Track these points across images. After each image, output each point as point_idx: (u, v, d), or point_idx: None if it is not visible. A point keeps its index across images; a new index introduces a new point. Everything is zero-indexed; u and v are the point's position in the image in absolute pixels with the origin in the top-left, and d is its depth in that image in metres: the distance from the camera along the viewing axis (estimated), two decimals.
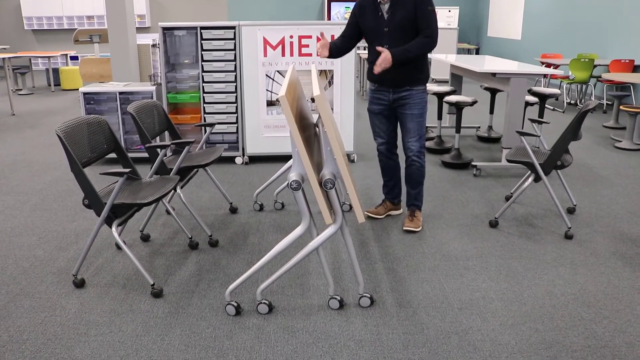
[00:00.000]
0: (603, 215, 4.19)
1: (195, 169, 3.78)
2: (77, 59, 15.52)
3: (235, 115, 5.44)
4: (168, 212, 4.17)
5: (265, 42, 5.19)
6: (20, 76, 11.62)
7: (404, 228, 3.88)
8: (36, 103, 9.99)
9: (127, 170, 2.85)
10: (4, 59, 9.14)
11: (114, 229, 2.99)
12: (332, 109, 5.40)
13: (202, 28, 5.21)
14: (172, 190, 3.38)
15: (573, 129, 3.69)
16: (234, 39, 5.23)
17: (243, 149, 5.55)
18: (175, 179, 3.34)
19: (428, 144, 6.16)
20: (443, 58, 6.64)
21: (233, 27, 5.21)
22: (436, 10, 3.56)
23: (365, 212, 4.13)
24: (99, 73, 8.64)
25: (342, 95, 5.36)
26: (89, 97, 5.47)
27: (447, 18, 13.16)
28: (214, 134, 5.51)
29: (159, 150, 3.59)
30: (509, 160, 3.91)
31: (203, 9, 16.27)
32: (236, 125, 5.48)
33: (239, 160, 5.59)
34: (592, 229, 3.92)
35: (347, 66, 5.29)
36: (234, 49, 5.26)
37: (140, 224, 3.99)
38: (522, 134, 3.85)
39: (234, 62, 5.30)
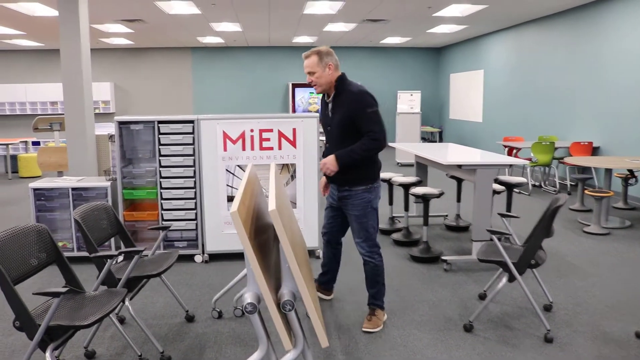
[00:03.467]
0: (581, 312, 3.99)
1: (146, 280, 3.48)
2: (39, 145, 15.21)
3: (195, 211, 5.20)
4: (120, 321, 3.81)
5: (225, 136, 5.04)
6: None
7: (362, 329, 3.71)
8: None
9: (63, 290, 2.55)
10: None
11: (48, 354, 2.65)
12: (295, 204, 5.20)
13: (160, 122, 5.05)
14: (120, 303, 3.08)
15: (545, 226, 3.55)
16: (193, 132, 5.07)
17: (203, 247, 5.26)
18: (122, 292, 3.04)
19: (395, 235, 5.98)
20: (407, 148, 6.60)
21: (192, 121, 5.05)
22: (377, 110, 3.57)
23: None
24: (57, 162, 8.36)
25: (305, 189, 5.19)
26: (40, 193, 5.17)
27: (409, 102, 13.39)
28: (172, 231, 5.23)
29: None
30: (480, 260, 3.73)
31: (169, 95, 16.30)
32: (195, 222, 5.22)
33: (198, 258, 5.29)
34: (572, 329, 3.71)
35: (310, 158, 5.15)
36: (193, 143, 5.09)
37: (85, 337, 3.62)
38: (493, 233, 3.69)
39: (193, 157, 5.11)
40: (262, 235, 2.82)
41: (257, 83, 16.49)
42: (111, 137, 5.93)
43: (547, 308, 4.07)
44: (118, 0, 9.00)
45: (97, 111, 15.60)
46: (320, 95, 3.79)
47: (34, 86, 15.83)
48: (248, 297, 2.27)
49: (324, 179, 3.80)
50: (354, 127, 3.49)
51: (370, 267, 3.73)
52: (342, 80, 3.58)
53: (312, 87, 3.61)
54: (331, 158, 3.48)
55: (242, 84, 16.51)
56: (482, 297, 4.30)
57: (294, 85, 16.19)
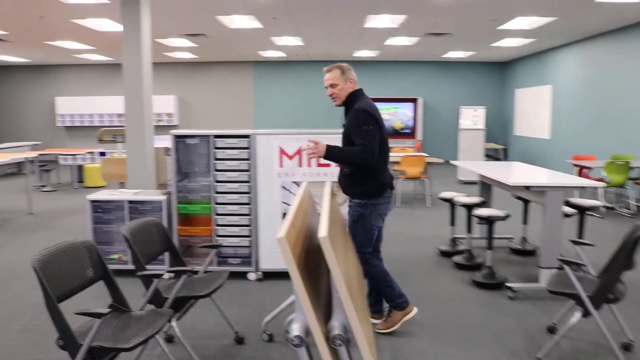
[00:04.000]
0: None
1: (193, 300, 3.37)
2: (106, 156, 15.67)
3: (249, 227, 5.09)
4: (168, 340, 3.72)
5: (282, 151, 4.92)
6: (45, 173, 11.62)
7: (376, 330, 3.93)
8: (56, 201, 9.87)
9: (105, 311, 2.46)
10: (26, 158, 9.10)
11: None
12: None
13: (216, 136, 4.98)
14: (167, 324, 2.97)
15: (626, 257, 3.22)
16: (249, 147, 4.98)
17: (256, 264, 5.15)
18: (168, 313, 2.93)
19: (457, 258, 5.69)
20: (470, 166, 6.30)
21: (248, 136, 4.97)
22: (372, 129, 3.61)
23: None
24: (119, 173, 8.49)
25: None
26: (97, 205, 5.20)
27: (472, 117, 13.00)
28: (226, 247, 5.14)
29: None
30: (551, 292, 3.43)
31: (231, 109, 16.49)
32: (249, 238, 5.11)
33: (251, 276, 5.17)
34: None
35: None
36: (249, 158, 4.99)
37: (131, 354, 3.54)
38: (566, 263, 3.39)
39: (248, 172, 5.01)
40: (314, 256, 2.66)
41: (318, 97, 16.44)
42: (167, 150, 5.93)
43: (627, 347, 3.70)
44: (181, 16, 9.12)
45: (160, 123, 15.94)
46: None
47: (102, 99, 16.37)
48: (295, 329, 2.10)
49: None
50: (352, 141, 3.64)
51: (366, 276, 3.90)
52: (354, 95, 3.78)
53: (332, 98, 3.80)
54: (323, 145, 3.58)
55: (303, 98, 16.51)
56: (552, 330, 3.96)
57: None
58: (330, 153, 3.59)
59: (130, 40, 6.41)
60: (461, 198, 5.73)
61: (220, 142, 4.99)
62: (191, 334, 3.90)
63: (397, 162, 9.52)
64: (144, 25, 6.45)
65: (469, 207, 5.61)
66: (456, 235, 6.37)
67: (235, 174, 5.01)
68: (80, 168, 12.10)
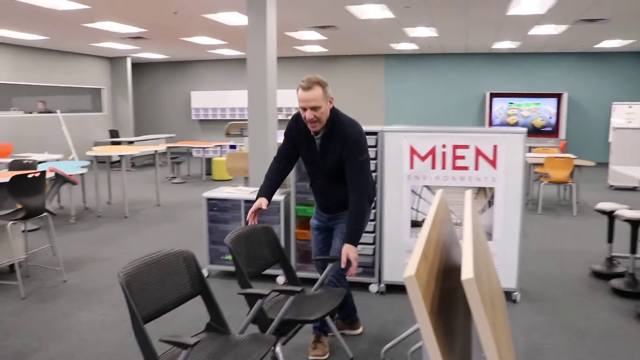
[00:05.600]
0: None
1: (301, 325, 2.89)
2: (235, 149, 15.94)
3: (373, 235, 4.56)
4: None
5: (413, 151, 4.32)
6: (176, 165, 11.92)
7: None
8: (184, 193, 10.00)
9: (192, 342, 2.03)
10: (156, 151, 9.27)
11: None
12: (490, 236, 4.31)
13: None
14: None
15: None
16: (376, 146, 4.44)
17: (379, 275, 4.60)
18: (270, 341, 2.48)
19: (615, 282, 4.75)
20: (628, 171, 5.30)
21: (375, 133, 4.43)
22: (366, 158, 3.21)
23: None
24: (244, 168, 8.35)
25: (505, 218, 4.27)
26: (212, 203, 4.93)
27: (627, 115, 11.51)
28: None
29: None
30: None
31: (361, 104, 16.06)
32: (373, 246, 4.58)
33: (373, 288, 4.64)
34: None
35: (513, 181, 4.22)
36: (375, 158, 4.45)
37: None
38: None
39: (375, 173, 4.48)
40: (449, 283, 2.07)
41: (451, 92, 15.51)
42: None
43: None
44: (310, 7, 8.80)
45: (288, 118, 15.89)
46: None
47: (234, 93, 16.65)
48: None
49: (259, 202, 3.22)
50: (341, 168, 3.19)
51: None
52: (337, 115, 3.20)
53: (312, 123, 3.10)
54: (350, 249, 3.04)
55: (436, 93, 15.66)
56: None
57: (492, 95, 14.92)
58: (356, 240, 3.11)
59: (255, 33, 6.15)
60: (626, 212, 4.78)
61: None
62: (298, 358, 3.44)
63: (539, 164, 8.51)
64: (269, 17, 6.14)
65: (635, 223, 4.66)
66: (614, 254, 5.38)
67: None
68: (209, 161, 12.29)
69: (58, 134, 13.15)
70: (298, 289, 2.71)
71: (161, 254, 2.44)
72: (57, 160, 9.15)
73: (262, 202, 3.20)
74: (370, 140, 4.45)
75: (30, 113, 13.43)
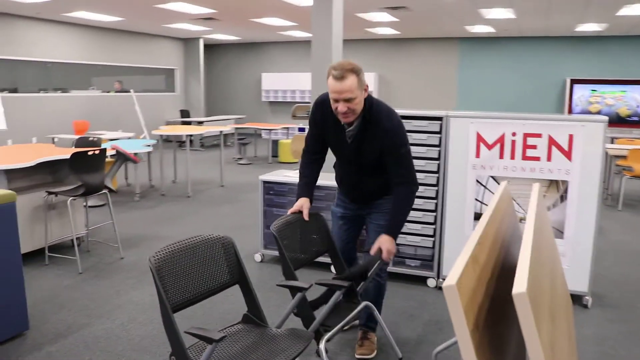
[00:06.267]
0: None
1: (347, 322, 2.71)
2: (303, 132, 15.89)
3: (433, 226, 4.30)
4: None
5: (479, 138, 4.02)
6: (242, 146, 11.97)
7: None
8: (249, 174, 10.02)
9: (217, 337, 1.89)
10: (221, 132, 9.30)
11: None
12: (562, 233, 3.96)
13: (403, 117, 4.24)
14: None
15: None
16: (440, 132, 4.16)
17: (438, 270, 4.35)
18: (309, 338, 2.32)
19: None
20: None
21: (440, 118, 4.15)
22: (408, 149, 2.93)
23: None
24: None
25: (578, 215, 3.91)
26: (269, 187, 4.81)
27: None
28: (405, 246, 4.42)
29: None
30: None
31: (432, 89, 15.58)
32: (433, 239, 4.32)
33: (431, 282, 4.40)
34: None
35: (589, 175, 3.85)
36: (439, 145, 4.18)
37: None
38: None
39: (438, 162, 4.21)
40: (505, 284, 1.84)
41: (529, 78, 14.74)
42: None
43: None
44: None
45: None
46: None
47: (304, 75, 16.54)
48: None
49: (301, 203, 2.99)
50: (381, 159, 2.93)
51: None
52: (372, 105, 2.88)
53: (345, 115, 2.78)
54: (387, 240, 2.82)
55: (511, 78, 14.93)
56: None
57: (573, 82, 14.07)
58: (397, 233, 2.90)
59: (320, 13, 5.96)
60: None
61: (407, 125, 4.24)
62: (344, 355, 3.27)
63: (621, 157, 7.90)
64: None
65: None
66: None
67: (422, 162, 4.24)
68: (276, 143, 12.27)
69: (132, 113, 13.53)
70: (345, 283, 2.53)
71: (198, 239, 2.32)
72: (129, 138, 9.35)
73: (305, 204, 2.98)
74: (434, 126, 4.19)
75: (108, 92, 13.86)
